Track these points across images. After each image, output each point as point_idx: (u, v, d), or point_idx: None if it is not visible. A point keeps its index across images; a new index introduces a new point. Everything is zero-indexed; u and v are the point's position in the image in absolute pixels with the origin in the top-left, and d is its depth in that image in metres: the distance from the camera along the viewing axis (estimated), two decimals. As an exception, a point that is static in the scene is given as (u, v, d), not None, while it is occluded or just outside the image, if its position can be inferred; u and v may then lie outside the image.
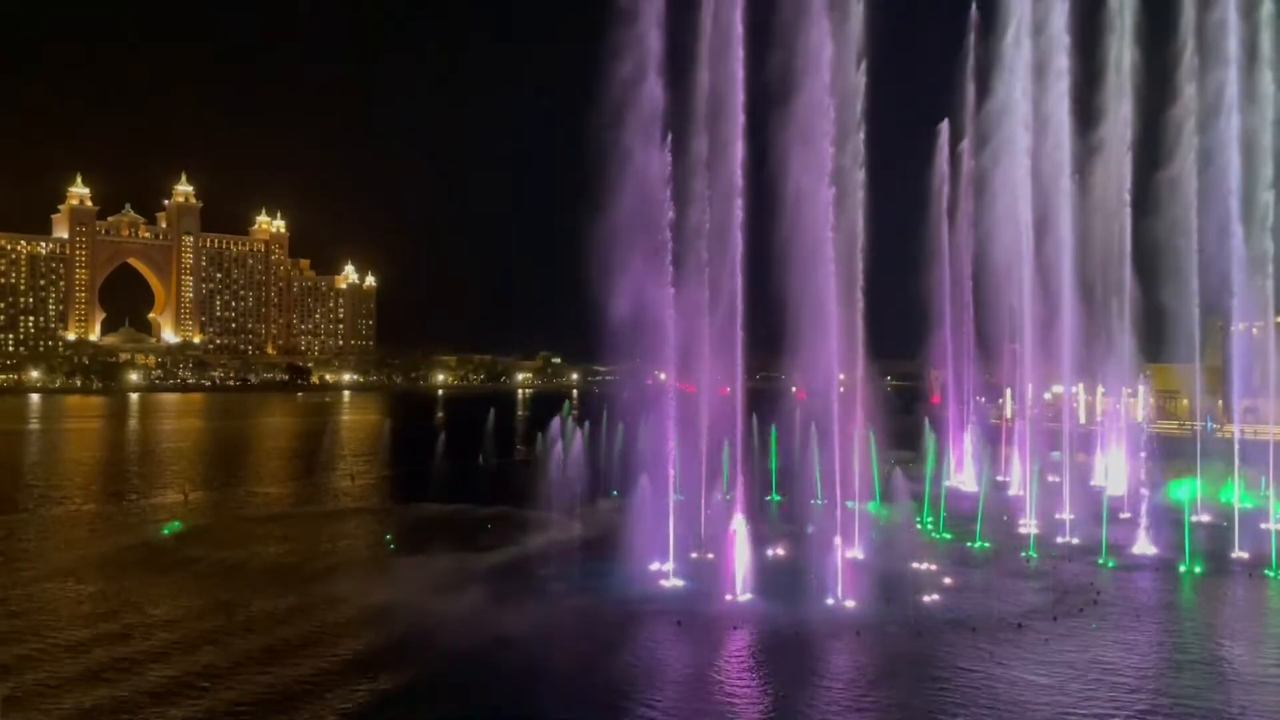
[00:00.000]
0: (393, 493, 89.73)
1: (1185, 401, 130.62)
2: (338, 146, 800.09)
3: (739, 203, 53.53)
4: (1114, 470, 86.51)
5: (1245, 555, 58.14)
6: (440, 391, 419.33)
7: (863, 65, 58.80)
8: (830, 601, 46.30)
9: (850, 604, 45.98)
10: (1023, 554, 59.41)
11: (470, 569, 53.68)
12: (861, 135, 59.09)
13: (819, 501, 62.16)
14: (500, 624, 42.57)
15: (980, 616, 44.80)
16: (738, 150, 53.45)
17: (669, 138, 53.62)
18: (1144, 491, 77.32)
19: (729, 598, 47.03)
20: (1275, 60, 76.23)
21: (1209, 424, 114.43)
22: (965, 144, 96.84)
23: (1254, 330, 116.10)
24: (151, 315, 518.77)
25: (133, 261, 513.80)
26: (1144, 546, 60.18)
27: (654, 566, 51.77)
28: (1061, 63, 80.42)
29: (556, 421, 78.95)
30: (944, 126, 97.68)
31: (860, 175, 58.50)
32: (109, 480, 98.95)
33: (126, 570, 54.41)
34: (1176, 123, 79.54)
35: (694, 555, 54.16)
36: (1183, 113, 79.04)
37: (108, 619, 44.48)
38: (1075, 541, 62.75)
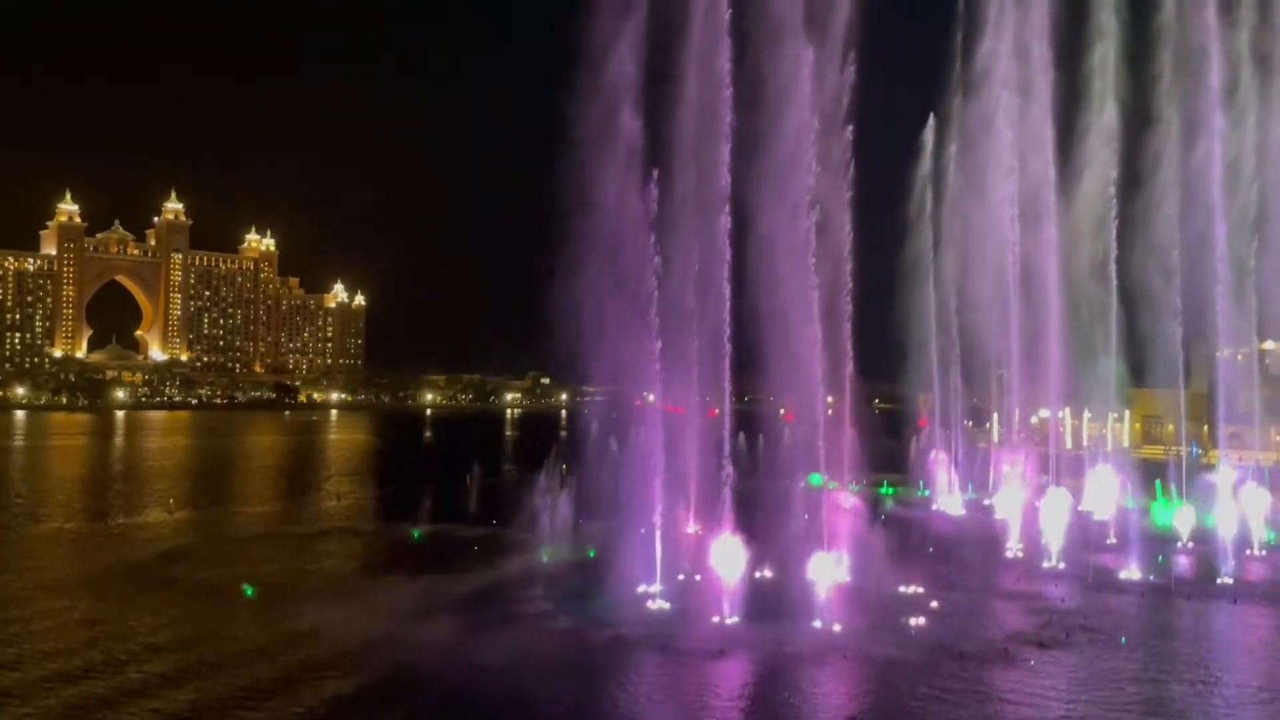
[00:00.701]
0: (379, 513, 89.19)
1: (1170, 427, 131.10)
2: (329, 165, 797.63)
3: (725, 223, 53.85)
4: (1101, 495, 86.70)
5: (1230, 580, 58.26)
6: (429, 411, 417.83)
7: (849, 67, 59.29)
8: (817, 625, 46.19)
9: (837, 627, 45.87)
10: (1009, 578, 59.39)
11: (458, 591, 53.45)
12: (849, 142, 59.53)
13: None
14: (486, 650, 42.25)
15: (967, 641, 44.73)
16: (723, 179, 53.80)
17: (655, 171, 54.06)
18: (1130, 516, 77.48)
19: (716, 620, 46.89)
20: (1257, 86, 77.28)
21: (1194, 450, 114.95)
22: (951, 150, 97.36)
23: (1238, 356, 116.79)
24: (139, 332, 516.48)
25: (121, 279, 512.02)
26: (1130, 571, 60.26)
27: (641, 589, 51.64)
28: (1044, 82, 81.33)
29: (552, 440, 78.63)
30: (928, 136, 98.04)
31: (846, 197, 59.03)
32: (93, 498, 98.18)
33: (108, 590, 53.87)
34: (1157, 148, 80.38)
35: (680, 577, 54.03)
36: (1162, 139, 79.85)
37: (89, 646, 43.64)
38: (1062, 566, 62.79)
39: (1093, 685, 39.09)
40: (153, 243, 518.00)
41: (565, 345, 52.17)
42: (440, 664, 40.50)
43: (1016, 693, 38.04)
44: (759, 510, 69.05)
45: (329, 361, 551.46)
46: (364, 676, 39.29)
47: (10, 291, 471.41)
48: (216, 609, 49.58)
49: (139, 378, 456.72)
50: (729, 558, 48.64)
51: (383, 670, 40.04)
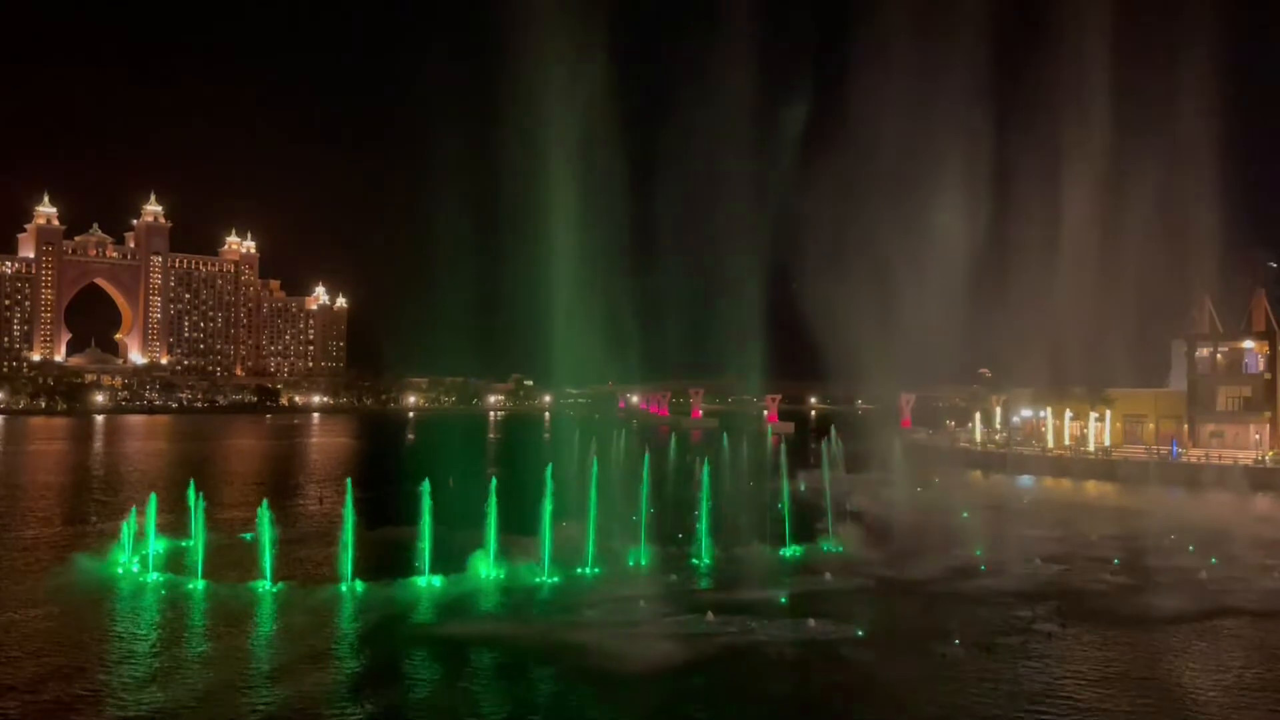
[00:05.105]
0: (363, 516, 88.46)
1: (1151, 426, 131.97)
2: (309, 167, 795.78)
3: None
4: (1082, 492, 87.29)
5: (1208, 576, 58.61)
6: (411, 414, 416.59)
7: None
8: (796, 621, 46.23)
9: (812, 623, 45.87)
10: (991, 574, 59.58)
11: (447, 593, 53.39)
12: None
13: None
14: (479, 649, 42.22)
15: (948, 635, 44.83)
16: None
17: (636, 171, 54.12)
18: (1109, 512, 77.91)
19: (697, 616, 46.85)
20: None
21: (1175, 448, 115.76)
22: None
23: (1218, 355, 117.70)
24: (118, 336, 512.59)
25: (100, 281, 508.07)
26: (1110, 567, 60.62)
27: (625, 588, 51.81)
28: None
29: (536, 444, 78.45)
30: None
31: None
32: (70, 505, 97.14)
33: (79, 598, 53.24)
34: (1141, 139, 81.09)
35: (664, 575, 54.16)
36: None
37: (51, 653, 43.18)
38: (1040, 562, 63.04)
39: (1073, 681, 39.23)
40: (132, 245, 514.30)
41: (548, 347, 52.20)
42: (435, 661, 40.52)
43: (997, 686, 38.19)
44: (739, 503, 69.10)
45: (311, 365, 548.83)
46: (344, 680, 39.09)
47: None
48: (187, 619, 49.05)
49: (118, 381, 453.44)
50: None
51: (370, 670, 39.91)
